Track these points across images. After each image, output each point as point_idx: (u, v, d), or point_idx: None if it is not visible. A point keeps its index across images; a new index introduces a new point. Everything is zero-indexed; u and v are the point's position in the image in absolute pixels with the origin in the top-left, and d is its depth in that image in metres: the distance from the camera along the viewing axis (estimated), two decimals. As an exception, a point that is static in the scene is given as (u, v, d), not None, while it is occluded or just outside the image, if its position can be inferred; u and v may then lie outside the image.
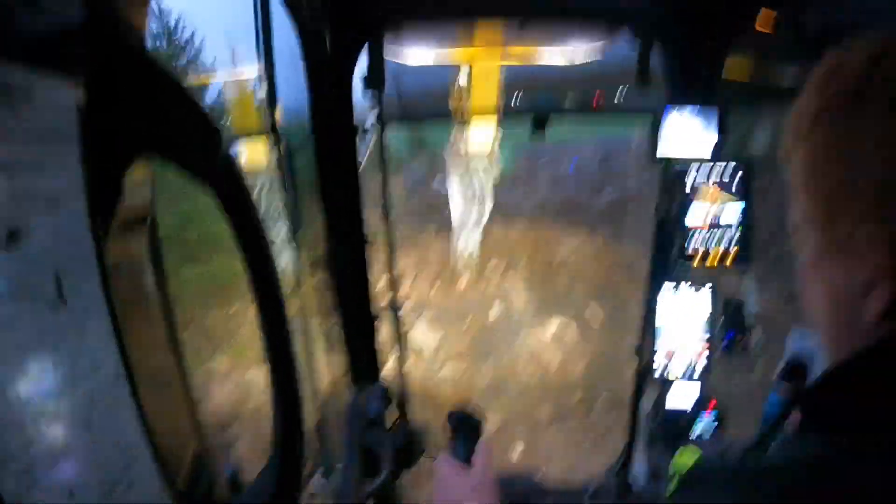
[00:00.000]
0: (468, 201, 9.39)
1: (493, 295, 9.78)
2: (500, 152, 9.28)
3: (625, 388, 2.66)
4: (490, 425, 6.69)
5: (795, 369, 1.63)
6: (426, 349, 8.43)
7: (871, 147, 0.55)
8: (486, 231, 10.80)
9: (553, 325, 8.73)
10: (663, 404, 2.25)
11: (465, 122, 7.70)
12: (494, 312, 9.36)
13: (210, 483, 0.61)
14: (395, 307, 2.17)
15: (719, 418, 2.23)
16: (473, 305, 9.52)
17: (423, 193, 11.84)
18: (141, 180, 0.52)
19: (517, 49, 2.76)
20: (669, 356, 2.20)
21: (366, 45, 1.86)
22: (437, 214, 10.72)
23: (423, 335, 8.66)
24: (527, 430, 6.86)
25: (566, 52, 2.46)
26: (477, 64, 5.83)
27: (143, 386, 0.48)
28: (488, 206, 9.59)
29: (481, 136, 8.18)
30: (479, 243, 10.02)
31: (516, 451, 6.50)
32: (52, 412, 0.35)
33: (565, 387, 7.54)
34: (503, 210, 11.54)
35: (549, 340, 8.49)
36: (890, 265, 0.55)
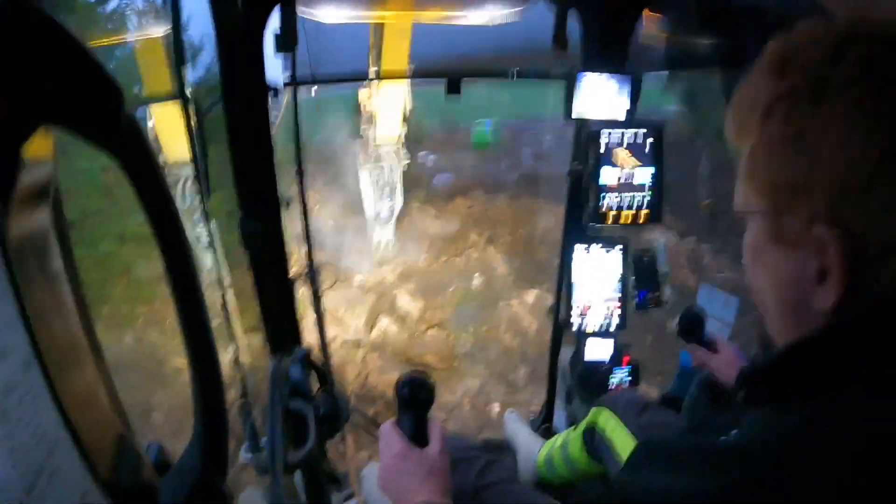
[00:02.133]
0: (380, 191, 9.19)
1: (474, 267, 9.71)
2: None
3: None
4: (471, 385, 6.93)
5: (691, 322, 1.69)
6: (408, 318, 8.43)
7: (832, 144, 0.53)
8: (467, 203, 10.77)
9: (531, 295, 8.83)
10: (581, 358, 2.35)
11: (373, 87, 7.73)
12: (476, 283, 9.35)
13: (135, 465, 0.59)
14: (311, 271, 2.14)
15: (633, 372, 2.35)
16: (455, 277, 9.47)
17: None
18: (41, 150, 0.48)
19: (432, 11, 2.72)
20: (585, 312, 2.30)
21: (277, 5, 1.78)
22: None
23: (405, 305, 8.65)
24: (504, 390, 7.04)
25: (482, 15, 2.46)
26: (389, 23, 5.70)
27: (56, 369, 0.45)
28: (399, 196, 9.43)
29: (390, 121, 8.29)
30: (393, 235, 9.84)
31: (493, 410, 6.65)
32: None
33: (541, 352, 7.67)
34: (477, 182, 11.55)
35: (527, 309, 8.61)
36: (840, 267, 0.54)
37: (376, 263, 9.43)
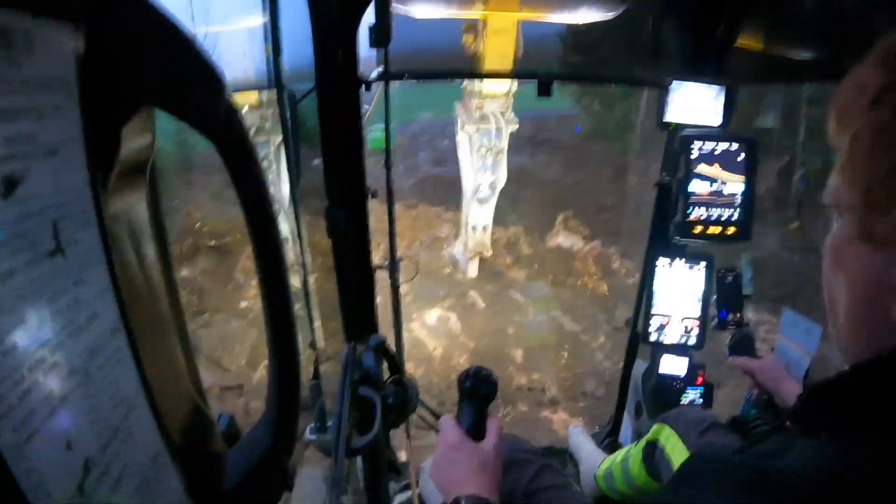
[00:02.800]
0: (481, 160, 7.50)
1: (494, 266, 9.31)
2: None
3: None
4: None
5: (740, 341, 1.84)
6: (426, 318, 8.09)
7: None
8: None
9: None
10: (655, 373, 2.28)
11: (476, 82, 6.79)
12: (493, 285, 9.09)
13: (205, 434, 0.62)
14: (392, 263, 2.18)
15: (706, 393, 2.27)
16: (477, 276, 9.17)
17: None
18: (141, 129, 0.51)
19: (534, 11, 2.71)
20: (662, 326, 2.22)
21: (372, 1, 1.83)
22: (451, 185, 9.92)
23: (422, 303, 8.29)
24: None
25: (580, 16, 2.42)
26: (491, 19, 5.54)
27: (140, 337, 0.48)
28: (503, 170, 7.64)
29: (495, 87, 6.85)
30: (488, 241, 8.35)
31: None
32: (49, 363, 0.35)
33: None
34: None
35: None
36: None
37: (469, 251, 8.13)
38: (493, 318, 7.59)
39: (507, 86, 6.86)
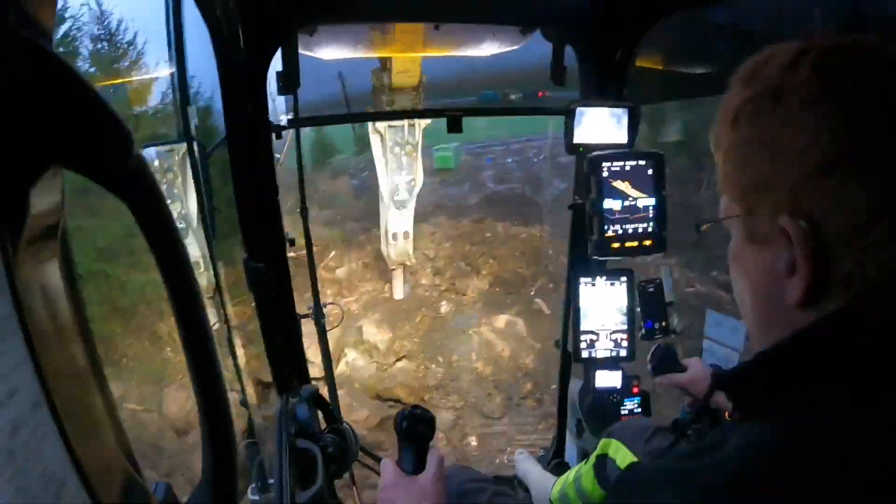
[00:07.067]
0: (395, 161, 7.10)
1: (443, 292, 9.66)
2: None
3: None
4: (444, 418, 6.70)
5: (662, 359, 1.79)
6: (376, 349, 8.23)
7: (788, 139, 0.58)
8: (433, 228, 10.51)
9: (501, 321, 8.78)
10: (591, 389, 2.33)
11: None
12: (444, 308, 9.29)
13: (142, 504, 0.58)
14: (318, 309, 2.14)
15: (644, 402, 2.33)
16: (423, 302, 9.40)
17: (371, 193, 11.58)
18: (50, 189, 0.49)
19: (437, 49, 2.78)
20: (593, 342, 2.28)
21: (279, 48, 1.83)
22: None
23: (372, 336, 8.41)
24: (479, 423, 6.95)
25: (484, 50, 2.52)
26: (396, 57, 5.55)
27: (64, 408, 0.45)
28: (419, 169, 7.23)
29: (406, 63, 6.12)
30: (412, 221, 7.75)
31: (470, 444, 6.56)
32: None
33: (516, 379, 7.77)
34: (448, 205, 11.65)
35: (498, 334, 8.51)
36: (805, 254, 0.57)
37: (392, 261, 7.74)
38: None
39: (416, 79, 6.29)
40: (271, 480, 1.94)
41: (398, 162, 7.06)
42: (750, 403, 0.64)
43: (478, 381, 7.70)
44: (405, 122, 6.74)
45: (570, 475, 2.05)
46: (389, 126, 6.81)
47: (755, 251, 0.65)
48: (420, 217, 9.29)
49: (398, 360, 8.20)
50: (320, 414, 1.51)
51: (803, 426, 0.56)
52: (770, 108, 0.60)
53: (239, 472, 0.70)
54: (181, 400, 6.36)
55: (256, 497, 1.97)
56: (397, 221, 7.46)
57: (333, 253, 10.39)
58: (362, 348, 8.21)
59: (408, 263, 7.92)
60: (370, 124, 7.11)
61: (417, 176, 7.14)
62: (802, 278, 0.58)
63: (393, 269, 7.93)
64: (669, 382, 1.74)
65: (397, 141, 6.93)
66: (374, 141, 7.05)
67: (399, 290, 8.11)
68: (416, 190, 7.22)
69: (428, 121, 6.92)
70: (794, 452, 0.54)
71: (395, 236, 7.52)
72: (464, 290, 9.66)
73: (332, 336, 2.27)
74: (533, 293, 9.60)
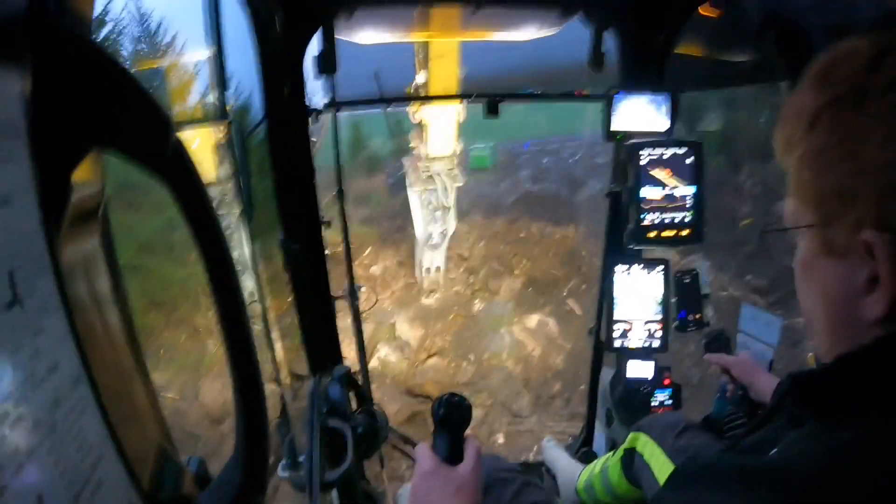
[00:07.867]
0: (431, 214, 8.31)
1: (476, 291, 9.72)
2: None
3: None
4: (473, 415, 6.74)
5: (715, 340, 1.85)
6: (408, 346, 8.40)
7: (874, 147, 0.54)
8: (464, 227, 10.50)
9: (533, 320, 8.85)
10: (622, 379, 2.29)
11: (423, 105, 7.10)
12: (476, 307, 9.36)
13: (176, 478, 0.60)
14: (352, 291, 2.15)
15: (675, 394, 2.28)
16: (456, 301, 9.47)
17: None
18: (92, 172, 0.50)
19: (476, 31, 2.76)
20: (626, 332, 2.25)
21: (318, 30, 1.84)
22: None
23: (405, 332, 8.61)
24: (507, 421, 7.02)
25: (523, 33, 2.48)
26: (435, 44, 5.63)
27: (103, 384, 0.47)
28: (452, 219, 8.50)
29: (443, 135, 7.51)
30: (444, 258, 9.23)
31: (498, 441, 6.65)
32: (14, 417, 0.34)
33: (546, 378, 7.81)
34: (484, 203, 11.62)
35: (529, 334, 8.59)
36: (890, 265, 0.53)
37: (424, 290, 9.06)
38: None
39: (451, 148, 7.65)
40: (301, 458, 1.99)
41: (433, 217, 8.35)
42: (827, 405, 0.60)
43: (507, 380, 7.78)
44: (440, 185, 7.94)
45: (596, 466, 2.04)
46: (426, 190, 8.01)
47: (831, 263, 0.61)
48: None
49: (430, 356, 8.40)
50: (352, 395, 1.53)
51: (889, 430, 0.53)
52: (853, 112, 0.56)
53: (272, 445, 0.72)
54: (216, 390, 6.61)
55: (286, 474, 2.01)
56: (431, 258, 9.10)
57: (369, 250, 10.54)
58: (395, 344, 8.42)
59: (437, 291, 9.43)
60: (408, 182, 8.19)
61: (449, 226, 8.54)
62: (885, 295, 0.54)
63: (425, 298, 9.32)
64: (717, 360, 1.74)
65: (432, 202, 8.16)
66: (412, 196, 8.24)
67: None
68: (449, 234, 8.65)
69: (460, 182, 8.11)
70: (882, 455, 0.51)
71: (428, 270, 9.26)
72: (497, 290, 9.73)
73: (365, 330, 2.30)
74: (565, 294, 9.59)
